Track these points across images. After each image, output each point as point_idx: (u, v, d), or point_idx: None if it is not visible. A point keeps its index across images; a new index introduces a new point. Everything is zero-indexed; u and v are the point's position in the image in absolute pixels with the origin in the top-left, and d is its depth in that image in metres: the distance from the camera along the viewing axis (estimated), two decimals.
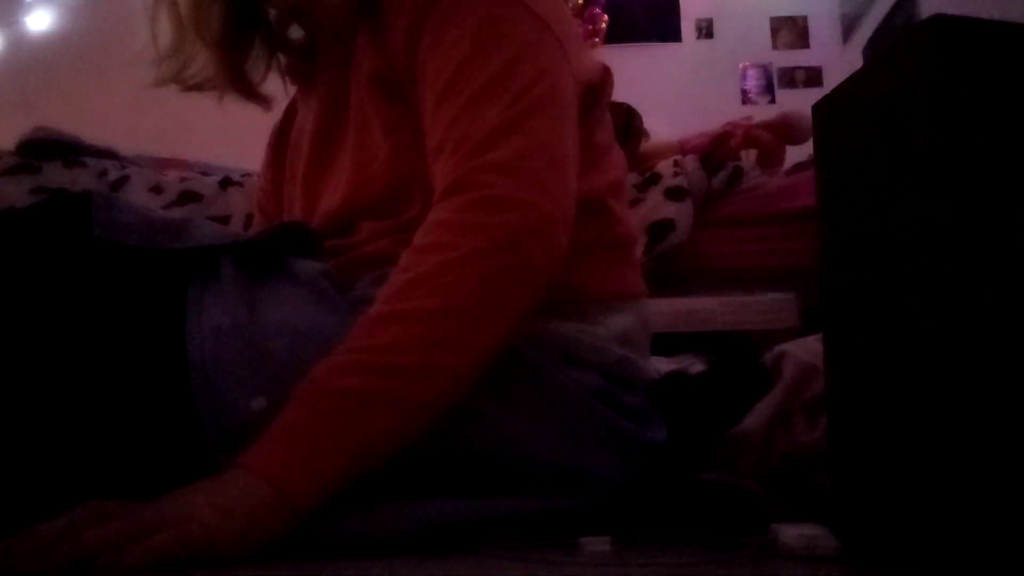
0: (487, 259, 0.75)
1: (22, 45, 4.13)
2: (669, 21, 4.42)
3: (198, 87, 0.98)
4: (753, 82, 4.37)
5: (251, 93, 1.01)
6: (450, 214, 0.78)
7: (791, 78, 4.35)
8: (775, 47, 4.39)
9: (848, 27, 4.16)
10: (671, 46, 4.39)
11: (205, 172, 2.31)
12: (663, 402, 0.98)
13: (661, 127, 2.62)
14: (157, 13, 0.94)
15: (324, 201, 0.95)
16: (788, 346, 1.20)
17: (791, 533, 0.69)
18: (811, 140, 0.80)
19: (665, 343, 1.32)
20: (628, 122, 2.21)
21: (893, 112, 0.65)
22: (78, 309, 0.74)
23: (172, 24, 0.94)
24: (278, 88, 1.06)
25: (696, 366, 1.28)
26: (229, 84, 0.99)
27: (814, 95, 0.81)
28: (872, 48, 3.71)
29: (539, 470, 0.82)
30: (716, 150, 2.12)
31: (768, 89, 4.36)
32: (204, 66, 0.96)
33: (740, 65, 4.38)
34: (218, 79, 0.98)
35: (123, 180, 2.06)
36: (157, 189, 2.06)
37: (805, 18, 4.38)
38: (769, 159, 2.26)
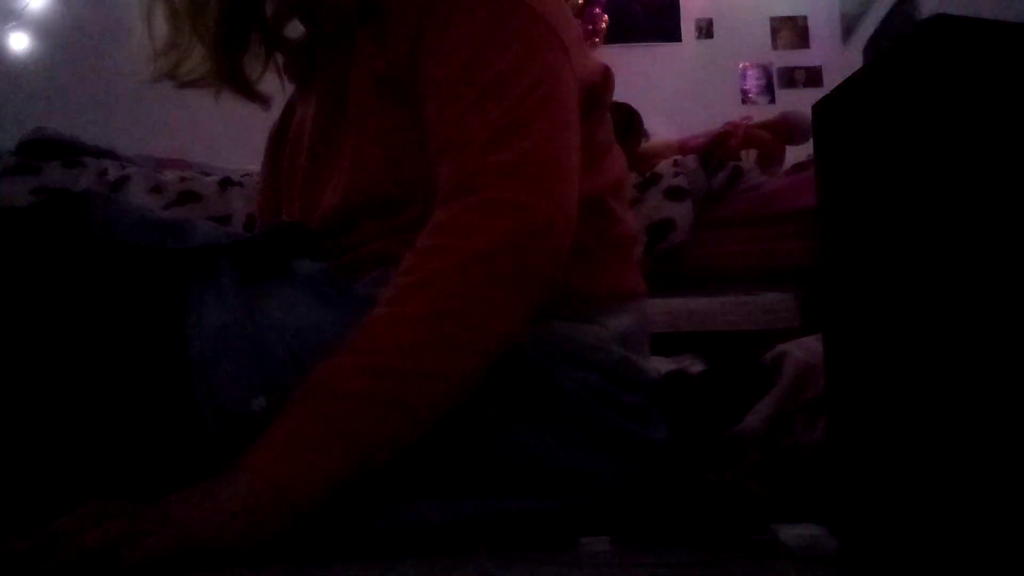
0: (490, 262, 0.75)
1: (21, 44, 4.13)
2: (669, 21, 4.42)
3: (193, 84, 0.98)
4: (753, 82, 4.37)
5: (247, 91, 1.01)
6: (453, 216, 0.78)
7: (791, 78, 4.35)
8: (775, 47, 4.39)
9: (848, 27, 4.16)
10: (671, 46, 4.39)
11: (205, 172, 2.31)
12: (663, 402, 0.98)
13: (661, 127, 2.62)
14: (153, 8, 0.94)
15: (325, 201, 0.94)
16: (788, 346, 1.19)
17: (791, 533, 0.69)
18: (811, 140, 0.80)
19: (665, 343, 1.32)
20: (628, 122, 2.22)
21: (893, 112, 0.65)
22: (78, 309, 0.74)
23: (168, 19, 0.94)
24: (276, 88, 1.06)
25: (696, 366, 1.27)
26: (225, 81, 0.99)
27: (814, 95, 0.81)
28: (872, 48, 3.71)
29: (539, 470, 0.82)
30: (716, 150, 2.13)
31: (768, 89, 4.36)
32: (199, 62, 0.96)
33: (740, 65, 4.38)
34: (214, 76, 0.97)
35: (123, 180, 2.06)
36: (157, 189, 2.06)
37: (805, 18, 4.38)
38: (769, 159, 2.26)
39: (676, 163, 2.05)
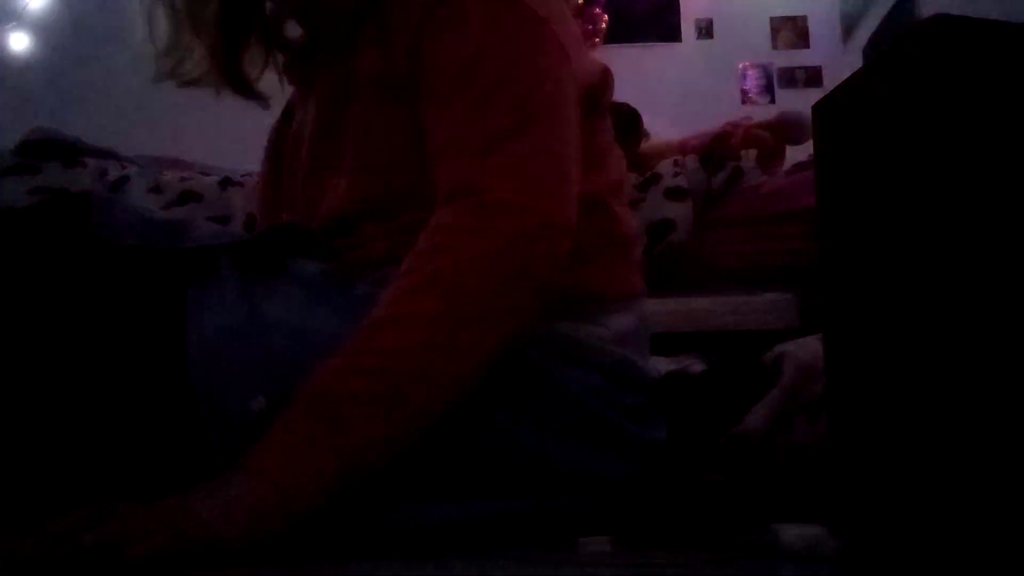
0: (490, 264, 0.75)
1: (21, 44, 4.13)
2: (669, 21, 4.42)
3: (194, 83, 0.98)
4: (753, 82, 4.37)
5: (247, 90, 1.01)
6: (453, 218, 0.78)
7: (791, 78, 4.35)
8: (775, 47, 4.39)
9: (848, 27, 4.16)
10: (671, 46, 4.39)
11: (205, 172, 2.31)
12: (663, 402, 0.98)
13: (661, 127, 2.62)
14: (154, 9, 0.94)
15: (326, 202, 0.95)
16: (788, 346, 1.19)
17: (791, 533, 0.69)
18: (811, 140, 0.80)
19: (665, 343, 1.32)
20: (628, 122, 2.21)
21: (893, 112, 0.65)
22: (78, 309, 0.74)
23: (169, 19, 0.94)
24: (276, 87, 1.06)
25: (696, 366, 1.27)
26: (224, 80, 0.99)
27: (814, 95, 0.81)
28: (872, 48, 3.71)
29: (539, 470, 0.82)
30: (716, 150, 2.12)
31: (768, 89, 4.36)
32: (200, 61, 0.97)
33: (740, 65, 4.38)
34: (213, 75, 0.98)
35: (123, 180, 2.06)
36: (157, 189, 2.06)
37: (805, 18, 4.38)
38: (769, 159, 2.26)
39: (676, 163, 2.05)
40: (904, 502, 0.63)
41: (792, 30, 4.39)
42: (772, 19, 4.38)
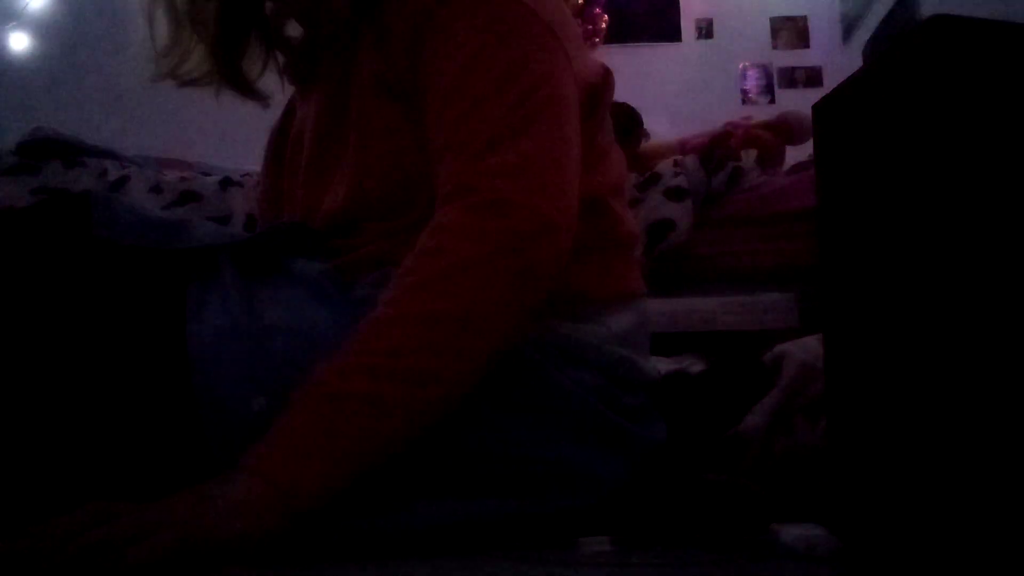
0: (490, 263, 0.75)
1: (21, 44, 4.13)
2: (669, 21, 4.42)
3: (194, 83, 0.98)
4: (753, 82, 4.38)
5: (247, 89, 1.01)
6: (454, 217, 0.78)
7: (791, 78, 4.35)
8: (775, 47, 4.40)
9: (848, 27, 4.16)
10: (671, 46, 4.40)
11: (205, 172, 2.31)
12: (663, 402, 0.98)
13: (661, 127, 2.62)
14: (154, 9, 0.94)
15: (326, 202, 0.95)
16: (788, 346, 1.19)
17: (791, 533, 0.69)
18: (811, 140, 0.80)
19: (665, 343, 1.32)
20: (628, 122, 2.22)
21: (893, 112, 0.65)
22: (78, 309, 0.74)
23: (169, 19, 0.94)
24: (276, 87, 1.06)
25: (696, 366, 1.27)
26: (224, 80, 0.99)
27: (814, 95, 0.81)
28: (872, 48, 3.71)
29: (539, 470, 0.82)
30: (716, 150, 2.13)
31: (768, 89, 4.36)
32: (200, 61, 0.97)
33: (740, 65, 4.38)
34: (213, 75, 0.98)
35: (123, 180, 2.07)
36: (157, 189, 2.07)
37: (805, 18, 4.39)
38: (769, 159, 2.26)
39: (676, 163, 2.06)
40: (903, 502, 0.63)
41: (792, 30, 4.40)
42: (772, 19, 4.39)
